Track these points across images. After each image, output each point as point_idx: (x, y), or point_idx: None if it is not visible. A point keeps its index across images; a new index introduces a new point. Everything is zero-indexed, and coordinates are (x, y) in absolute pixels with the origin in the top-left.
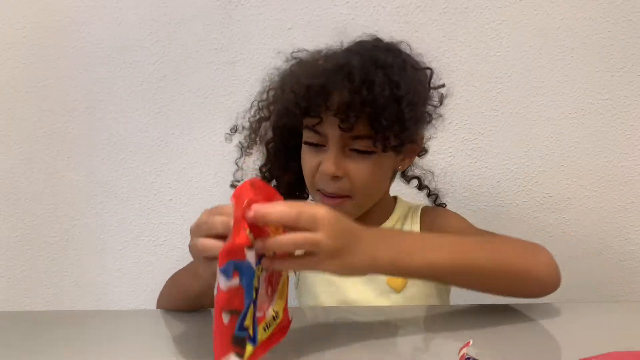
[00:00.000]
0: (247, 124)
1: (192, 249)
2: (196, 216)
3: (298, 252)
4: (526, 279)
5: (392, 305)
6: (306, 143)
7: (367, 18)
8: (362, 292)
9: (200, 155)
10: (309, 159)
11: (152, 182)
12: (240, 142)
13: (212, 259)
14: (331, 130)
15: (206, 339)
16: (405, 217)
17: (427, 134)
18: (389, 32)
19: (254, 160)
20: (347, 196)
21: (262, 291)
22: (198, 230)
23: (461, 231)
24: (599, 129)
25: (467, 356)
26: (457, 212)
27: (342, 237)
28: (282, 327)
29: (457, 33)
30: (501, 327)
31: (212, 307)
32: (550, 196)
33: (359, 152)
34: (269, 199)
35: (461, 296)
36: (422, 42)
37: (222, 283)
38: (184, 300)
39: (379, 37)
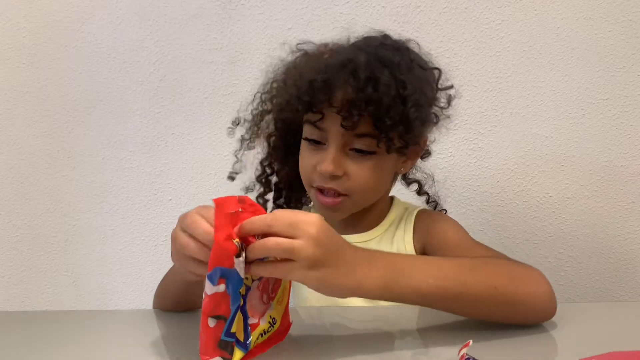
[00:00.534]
0: (249, 117)
1: (174, 241)
2: None
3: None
4: (519, 308)
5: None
6: (306, 139)
7: (367, 18)
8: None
9: (200, 155)
10: (307, 156)
11: (152, 182)
12: (242, 135)
13: (188, 257)
14: (332, 127)
15: None
16: (399, 220)
17: (432, 136)
18: (389, 32)
19: (255, 154)
20: (345, 195)
21: (255, 298)
22: (184, 227)
23: (457, 243)
24: (599, 129)
25: (467, 356)
26: (457, 212)
27: (324, 247)
28: (281, 332)
29: (457, 33)
30: (501, 327)
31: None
32: (550, 196)
33: (359, 151)
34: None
35: None
36: (422, 42)
37: (208, 288)
38: (177, 300)
39: (387, 33)
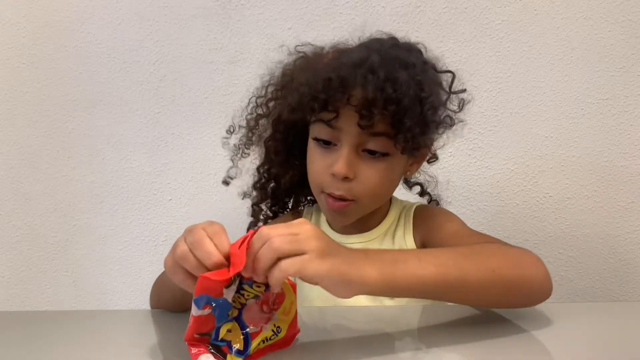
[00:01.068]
0: (243, 123)
1: (175, 250)
2: (196, 216)
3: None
4: (518, 290)
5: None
6: (316, 139)
7: (367, 18)
8: (355, 299)
9: (200, 155)
10: (318, 158)
11: (152, 182)
12: (235, 144)
13: (181, 269)
14: (347, 126)
15: None
16: (399, 219)
17: (440, 141)
18: (389, 33)
19: (252, 160)
20: (352, 200)
21: (253, 310)
22: (189, 242)
23: (454, 233)
24: (599, 129)
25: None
26: (457, 212)
27: (325, 239)
28: (286, 340)
29: (457, 33)
30: (501, 327)
31: None
32: (550, 196)
33: (371, 154)
34: None
35: None
36: (422, 42)
37: (194, 310)
38: (172, 300)
39: (395, 36)
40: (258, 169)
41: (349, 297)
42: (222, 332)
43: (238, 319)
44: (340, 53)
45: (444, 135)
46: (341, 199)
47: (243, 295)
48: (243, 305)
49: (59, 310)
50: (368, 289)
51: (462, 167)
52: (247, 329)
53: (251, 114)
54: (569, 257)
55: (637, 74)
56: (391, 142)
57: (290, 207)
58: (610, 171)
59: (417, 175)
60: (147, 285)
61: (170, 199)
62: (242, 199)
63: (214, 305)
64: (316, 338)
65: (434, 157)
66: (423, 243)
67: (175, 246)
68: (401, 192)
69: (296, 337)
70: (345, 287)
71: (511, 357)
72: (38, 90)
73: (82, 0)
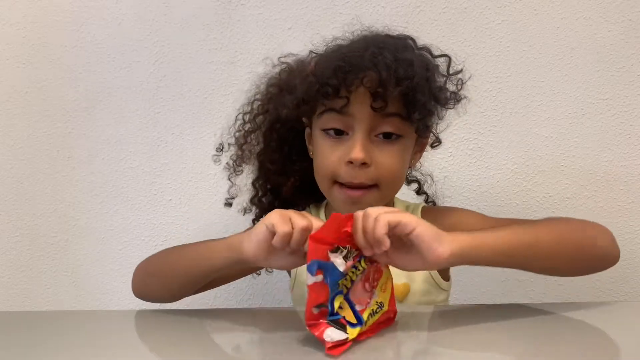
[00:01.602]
0: (232, 140)
1: (278, 233)
2: (196, 216)
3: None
4: (587, 253)
5: None
6: (325, 131)
7: (367, 18)
8: None
9: (200, 155)
10: (328, 150)
11: (152, 182)
12: (227, 163)
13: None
14: (359, 111)
15: (205, 339)
16: None
17: (443, 124)
18: (388, 32)
19: (247, 175)
20: (374, 185)
21: (358, 289)
22: (288, 218)
23: (481, 224)
24: (599, 129)
25: None
26: None
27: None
28: (389, 317)
29: (457, 33)
30: (501, 327)
31: (210, 288)
32: (550, 196)
33: (386, 137)
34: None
35: (464, 300)
36: (422, 42)
37: (309, 279)
38: (186, 284)
39: (382, 29)
40: (253, 183)
41: (441, 258)
42: (336, 305)
43: (346, 298)
44: (338, 48)
45: (447, 118)
46: (360, 187)
47: (355, 272)
48: (353, 282)
49: (59, 310)
50: (457, 245)
51: (462, 167)
52: (355, 307)
53: (239, 130)
54: None
55: (637, 74)
56: (404, 122)
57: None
58: (610, 171)
59: (418, 165)
60: None
61: (170, 199)
62: (243, 215)
63: (325, 270)
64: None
65: (438, 141)
66: None
67: (271, 225)
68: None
69: (397, 315)
70: (439, 241)
71: (511, 357)
72: (38, 90)
73: (82, 0)
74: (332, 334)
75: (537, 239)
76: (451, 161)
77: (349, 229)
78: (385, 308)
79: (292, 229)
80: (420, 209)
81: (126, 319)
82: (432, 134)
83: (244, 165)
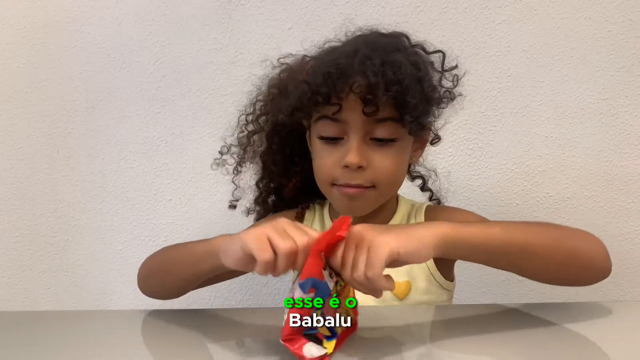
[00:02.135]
0: (235, 142)
1: (280, 248)
2: (196, 216)
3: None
4: (578, 261)
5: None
6: (321, 138)
7: (367, 18)
8: (363, 298)
9: (200, 155)
10: (326, 155)
11: (152, 182)
12: (229, 163)
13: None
14: (352, 117)
15: (206, 339)
16: (408, 217)
17: (441, 120)
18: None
19: (250, 177)
20: (372, 187)
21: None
22: (286, 229)
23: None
24: (599, 129)
25: None
26: None
27: (378, 228)
28: (354, 324)
29: (457, 33)
30: (501, 327)
31: (213, 283)
32: (550, 196)
33: (379, 141)
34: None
35: (465, 300)
36: (422, 42)
37: (297, 294)
38: (188, 282)
39: (376, 28)
40: (257, 183)
41: (425, 259)
42: (314, 320)
43: (321, 312)
44: (330, 52)
45: (445, 114)
46: (358, 187)
47: (336, 288)
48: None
49: (59, 310)
50: (442, 243)
51: (462, 167)
52: (329, 318)
53: (242, 132)
54: None
55: (637, 74)
56: (397, 125)
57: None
58: (610, 171)
59: (421, 161)
60: None
61: (170, 199)
62: (247, 215)
63: (317, 289)
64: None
65: (437, 138)
66: None
67: (237, 253)
68: (406, 188)
69: (357, 321)
70: (422, 247)
71: (511, 357)
72: (38, 90)
73: (82, 0)
74: (311, 350)
75: (528, 240)
76: (451, 161)
77: (342, 234)
78: (351, 317)
79: (274, 254)
80: (424, 208)
81: (126, 319)
82: (431, 131)
83: (246, 166)
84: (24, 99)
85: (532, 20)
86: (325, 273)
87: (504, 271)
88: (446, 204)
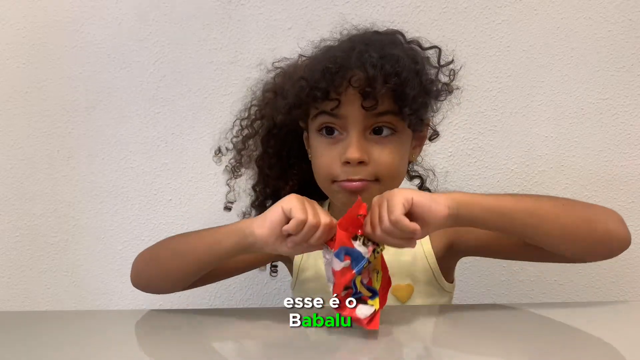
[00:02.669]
0: (230, 146)
1: (297, 218)
2: (196, 216)
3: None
4: (593, 227)
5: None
6: (320, 132)
7: (367, 18)
8: None
9: (200, 155)
10: (325, 151)
11: (152, 182)
12: (226, 166)
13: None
14: (351, 112)
15: (205, 339)
16: None
17: (440, 116)
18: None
19: (247, 179)
20: (374, 180)
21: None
22: (309, 224)
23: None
24: (599, 129)
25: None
26: None
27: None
28: (387, 281)
29: (457, 33)
30: (501, 327)
31: (209, 282)
32: None
33: (379, 135)
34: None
35: (465, 300)
36: (423, 43)
37: (336, 265)
38: (181, 267)
39: (370, 26)
40: (254, 187)
41: (440, 215)
42: (358, 285)
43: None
44: (327, 50)
45: (443, 109)
46: (361, 182)
47: (374, 256)
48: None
49: (59, 310)
50: (453, 201)
51: (461, 167)
52: (364, 281)
53: (237, 136)
54: None
55: (637, 74)
56: (397, 119)
57: None
58: (610, 171)
59: (419, 160)
60: None
61: (170, 199)
62: (243, 218)
63: (351, 256)
64: (323, 337)
65: (436, 134)
66: (452, 242)
67: (276, 215)
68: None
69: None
70: (435, 202)
71: (511, 357)
72: (38, 90)
73: (82, 0)
74: (363, 310)
75: (539, 206)
76: (451, 161)
77: (364, 212)
78: (381, 274)
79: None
80: None
81: (126, 319)
82: (429, 127)
83: (243, 170)
84: (24, 99)
85: (532, 20)
86: (356, 243)
87: (504, 271)
88: None
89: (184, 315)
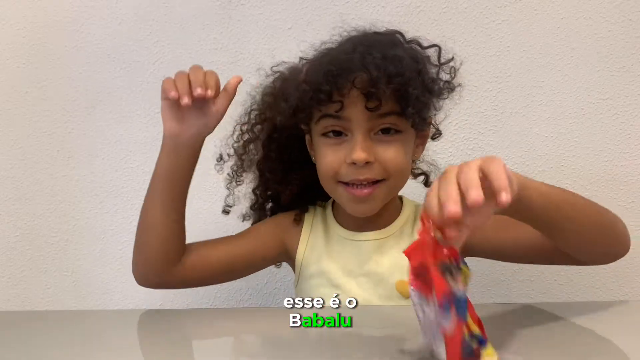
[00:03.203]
0: (232, 152)
1: (167, 83)
2: (196, 216)
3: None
4: (617, 234)
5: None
6: (325, 135)
7: (367, 18)
8: (368, 297)
9: (200, 155)
10: (330, 153)
11: None
12: (228, 174)
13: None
14: (355, 114)
15: (205, 339)
16: (414, 216)
17: (442, 114)
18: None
19: (247, 184)
20: (382, 180)
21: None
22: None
23: (502, 218)
24: (599, 129)
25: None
26: None
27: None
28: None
29: (457, 33)
30: (501, 327)
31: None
32: None
33: (384, 135)
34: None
35: None
36: (423, 42)
37: (446, 323)
38: (158, 225)
39: (370, 27)
40: (254, 191)
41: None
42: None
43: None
44: (327, 52)
45: (445, 108)
46: (368, 182)
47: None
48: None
49: (59, 310)
50: (517, 186)
51: None
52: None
53: (237, 141)
54: None
55: (637, 74)
56: (400, 119)
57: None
58: (610, 171)
59: (422, 158)
60: None
61: None
62: (242, 221)
63: (454, 304)
64: (323, 337)
65: (438, 132)
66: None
67: (162, 106)
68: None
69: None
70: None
71: (511, 357)
72: (38, 90)
73: (82, 0)
74: None
75: (574, 198)
76: (451, 161)
77: (425, 220)
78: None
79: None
80: None
81: (126, 319)
82: (432, 126)
83: (244, 174)
84: (24, 99)
85: (532, 20)
86: (448, 277)
87: (504, 271)
88: None
89: (184, 315)
